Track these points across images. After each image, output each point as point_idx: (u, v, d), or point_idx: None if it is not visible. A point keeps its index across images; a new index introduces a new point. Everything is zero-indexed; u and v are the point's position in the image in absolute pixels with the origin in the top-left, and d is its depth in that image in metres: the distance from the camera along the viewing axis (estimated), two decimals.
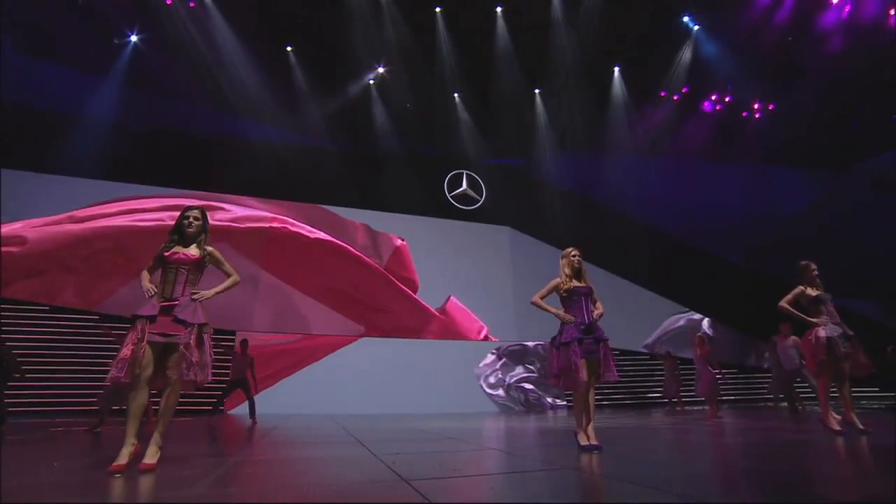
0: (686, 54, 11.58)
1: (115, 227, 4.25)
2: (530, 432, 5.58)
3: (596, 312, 3.71)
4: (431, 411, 9.34)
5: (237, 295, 5.01)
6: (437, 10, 11.08)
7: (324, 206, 6.99)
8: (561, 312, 3.69)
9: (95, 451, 3.85)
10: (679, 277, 12.78)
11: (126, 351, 2.71)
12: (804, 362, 6.14)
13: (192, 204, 3.51)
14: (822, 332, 4.38)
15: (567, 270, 3.78)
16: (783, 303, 4.55)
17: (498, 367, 11.30)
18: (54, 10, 9.41)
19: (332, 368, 9.36)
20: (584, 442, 3.45)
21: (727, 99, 12.66)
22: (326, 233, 5.22)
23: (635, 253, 12.38)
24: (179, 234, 3.14)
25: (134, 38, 10.49)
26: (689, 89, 12.21)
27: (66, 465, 3.02)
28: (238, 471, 2.96)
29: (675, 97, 12.44)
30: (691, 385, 8.74)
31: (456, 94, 12.81)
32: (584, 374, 3.44)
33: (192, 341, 2.85)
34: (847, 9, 10.25)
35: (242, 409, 7.87)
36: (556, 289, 3.78)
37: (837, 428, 4.25)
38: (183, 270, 3.02)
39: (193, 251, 3.09)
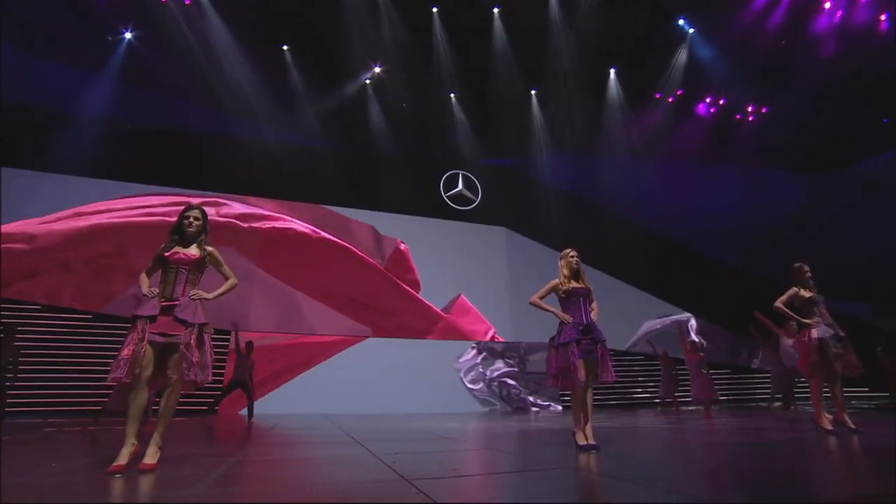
0: (682, 57, 11.68)
1: (120, 223, 4.22)
2: (526, 432, 5.61)
3: (592, 314, 3.75)
4: (420, 411, 9.34)
5: (244, 295, 5.00)
6: (434, 10, 11.09)
7: (326, 207, 6.98)
8: (559, 312, 3.72)
9: (94, 452, 3.83)
10: (673, 278, 12.87)
11: (126, 351, 2.70)
12: None
13: (194, 203, 3.50)
14: (814, 333, 4.45)
15: (565, 271, 3.81)
16: (778, 303, 4.61)
17: (478, 361, 11.34)
18: (48, 7, 9.32)
19: (320, 368, 9.33)
20: (582, 442, 3.47)
21: (721, 102, 12.79)
22: (330, 233, 5.21)
23: (629, 253, 12.46)
24: (179, 234, 3.13)
25: (128, 36, 10.41)
26: (683, 92, 12.31)
27: (65, 465, 3.01)
28: (239, 470, 2.97)
29: (670, 99, 12.54)
30: (687, 385, 8.82)
31: (452, 95, 12.83)
32: (582, 375, 3.47)
33: (192, 341, 2.84)
34: (839, 13, 10.39)
35: (263, 410, 8.05)
36: (554, 289, 3.81)
37: (830, 427, 4.31)
38: (183, 270, 3.01)
39: (194, 251, 3.09)
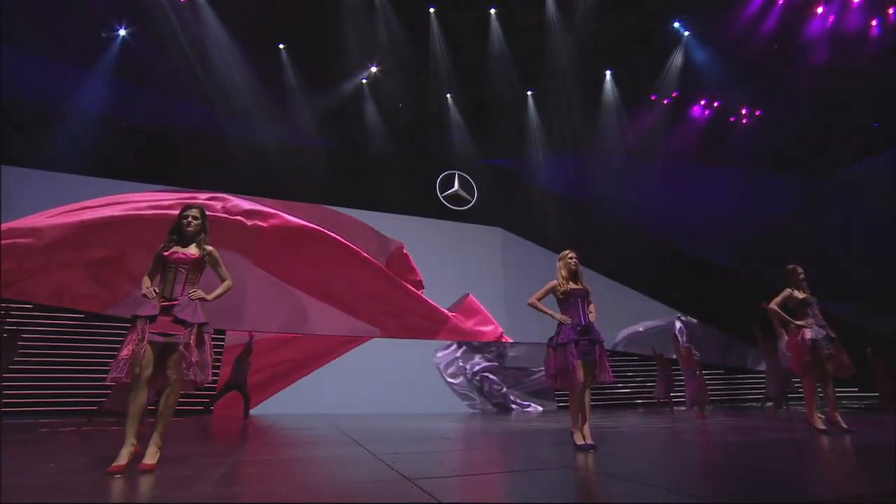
0: (677, 59, 11.77)
1: (129, 216, 4.16)
2: (523, 432, 5.64)
3: (590, 315, 3.78)
4: (405, 411, 9.34)
5: (251, 294, 4.96)
6: (431, 10, 11.10)
7: (327, 207, 6.95)
8: (558, 314, 3.74)
9: (91, 452, 3.80)
10: (666, 279, 12.98)
11: (126, 351, 2.69)
12: None
13: (201, 198, 3.49)
14: (807, 334, 4.51)
15: (564, 273, 3.84)
16: (772, 305, 4.67)
17: (458, 355, 11.37)
18: (41, 2, 9.22)
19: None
20: (579, 441, 3.50)
21: (716, 104, 12.91)
22: (335, 233, 5.19)
23: (624, 254, 12.54)
24: (178, 233, 3.13)
25: (123, 33, 10.32)
26: (679, 94, 12.41)
27: (63, 465, 2.99)
28: (240, 470, 2.96)
29: (666, 101, 12.64)
30: (681, 386, 8.91)
31: (449, 95, 12.83)
32: (580, 375, 3.50)
33: (192, 341, 2.84)
34: (831, 18, 10.52)
35: (258, 410, 8.14)
36: (552, 290, 3.84)
37: (822, 427, 4.38)
38: (182, 270, 3.01)
39: (193, 251, 3.08)
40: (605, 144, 13.08)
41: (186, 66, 10.33)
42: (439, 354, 11.35)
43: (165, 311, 2.86)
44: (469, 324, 5.99)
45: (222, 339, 7.98)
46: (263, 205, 5.04)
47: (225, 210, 4.67)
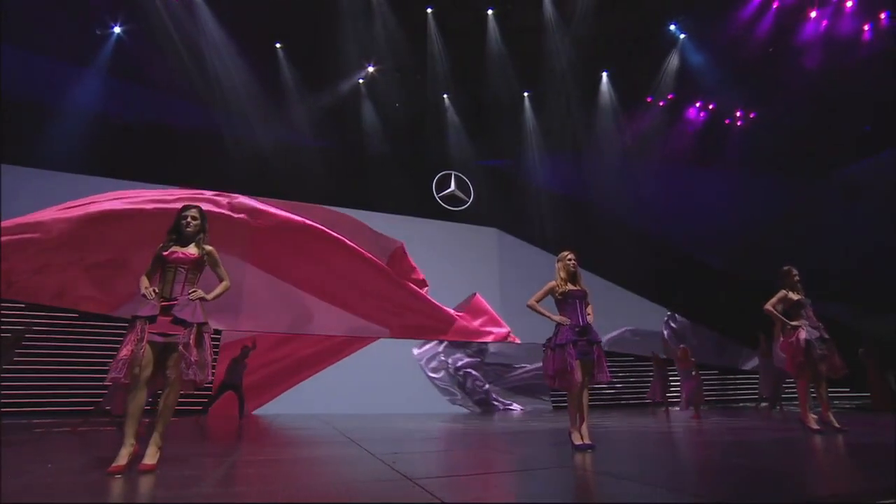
0: (673, 61, 11.85)
1: (134, 210, 4.12)
2: (520, 433, 5.66)
3: (588, 317, 3.80)
4: (394, 412, 9.33)
5: (256, 295, 4.94)
6: (429, 10, 11.10)
7: (327, 207, 6.91)
8: (556, 315, 3.77)
9: (88, 452, 3.79)
10: (661, 280, 13.06)
11: (125, 351, 2.69)
12: None
13: (207, 195, 3.47)
14: (802, 335, 4.57)
15: (562, 274, 3.87)
16: (768, 306, 4.73)
17: (440, 349, 11.39)
18: None
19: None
20: (577, 441, 3.53)
21: (711, 106, 13.01)
22: (338, 232, 5.17)
23: (619, 255, 12.60)
24: (177, 233, 3.12)
25: (117, 30, 10.24)
26: (674, 96, 12.49)
27: (61, 466, 2.97)
28: (241, 470, 2.96)
29: (661, 103, 12.72)
30: (677, 386, 8.98)
31: (445, 95, 12.85)
32: (578, 376, 3.53)
33: (191, 341, 2.83)
34: (824, 23, 10.65)
35: (264, 410, 8.24)
36: (551, 292, 3.87)
37: (816, 426, 4.43)
38: (182, 270, 3.00)
39: (192, 251, 3.08)
40: (601, 145, 13.14)
41: (182, 65, 10.27)
42: (416, 351, 11.32)
43: (165, 311, 2.85)
44: (476, 324, 5.97)
45: (218, 339, 7.95)
46: (269, 204, 5.02)
47: (231, 207, 4.66)
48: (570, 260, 3.89)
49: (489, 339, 6.20)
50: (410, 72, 11.95)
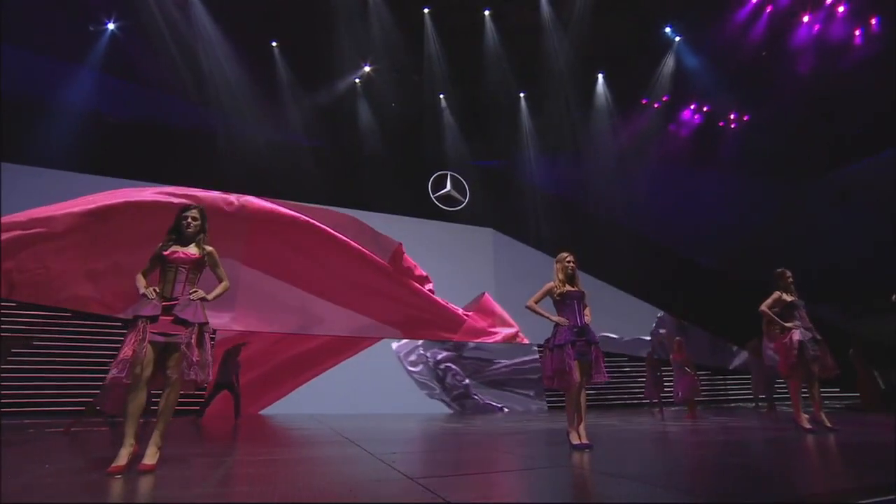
0: (668, 63, 11.94)
1: (142, 202, 4.10)
2: (518, 433, 5.69)
3: (585, 318, 3.84)
4: (384, 412, 9.34)
5: (262, 296, 4.92)
6: (426, 10, 11.10)
7: (326, 208, 6.90)
8: (554, 316, 3.80)
9: (86, 453, 3.77)
10: (655, 280, 13.14)
11: (128, 350, 2.68)
12: None
13: (211, 194, 3.47)
14: (795, 336, 4.64)
15: (560, 275, 3.90)
16: (763, 307, 4.80)
17: (419, 343, 11.41)
18: None
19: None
20: (575, 441, 3.56)
21: (705, 109, 13.12)
22: (341, 233, 5.17)
23: (614, 255, 12.67)
24: (178, 233, 3.12)
25: (111, 27, 10.15)
26: (669, 98, 12.59)
27: (60, 466, 2.96)
28: (241, 470, 2.97)
29: (657, 105, 12.81)
30: (670, 387, 9.02)
31: (442, 95, 12.85)
32: (577, 376, 3.56)
33: (193, 341, 2.83)
34: (817, 27, 10.78)
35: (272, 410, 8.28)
36: (549, 292, 3.90)
37: (808, 426, 4.50)
38: (183, 270, 3.00)
39: (193, 250, 3.07)
40: (596, 146, 13.22)
41: (177, 62, 10.20)
42: (395, 345, 11.31)
43: (165, 310, 2.85)
44: (487, 324, 5.98)
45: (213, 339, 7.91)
46: (277, 204, 5.02)
47: (240, 206, 4.65)
48: (568, 261, 3.92)
49: (498, 339, 6.20)
50: (407, 71, 11.94)
